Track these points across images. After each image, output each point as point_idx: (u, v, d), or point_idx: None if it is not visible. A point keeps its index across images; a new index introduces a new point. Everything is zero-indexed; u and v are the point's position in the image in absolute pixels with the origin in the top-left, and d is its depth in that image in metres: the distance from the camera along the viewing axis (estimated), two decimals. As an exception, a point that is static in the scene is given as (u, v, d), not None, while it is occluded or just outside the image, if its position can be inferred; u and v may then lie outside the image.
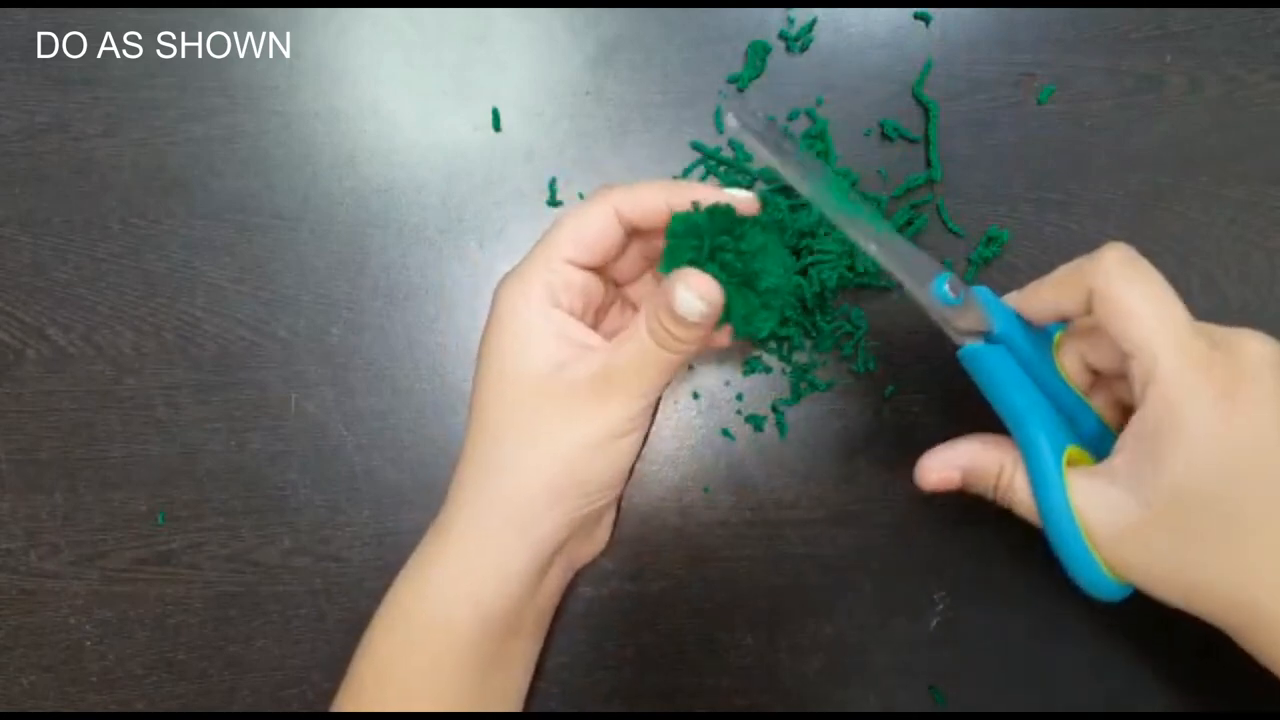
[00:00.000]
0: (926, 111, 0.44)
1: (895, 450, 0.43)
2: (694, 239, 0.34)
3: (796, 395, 0.43)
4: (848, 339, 0.43)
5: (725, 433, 0.44)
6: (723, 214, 0.34)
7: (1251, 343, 0.31)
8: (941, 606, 0.43)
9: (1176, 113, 0.44)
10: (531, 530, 0.36)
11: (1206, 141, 0.44)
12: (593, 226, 0.36)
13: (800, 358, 0.44)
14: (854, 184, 0.42)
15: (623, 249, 0.38)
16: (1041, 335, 0.36)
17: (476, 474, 0.37)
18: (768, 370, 0.44)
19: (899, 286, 0.33)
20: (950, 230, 0.44)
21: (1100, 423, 0.36)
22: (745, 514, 0.43)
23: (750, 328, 0.35)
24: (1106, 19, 0.44)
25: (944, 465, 0.35)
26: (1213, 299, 0.44)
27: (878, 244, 0.33)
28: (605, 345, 0.36)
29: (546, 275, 0.36)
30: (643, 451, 0.43)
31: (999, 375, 0.33)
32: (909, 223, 0.43)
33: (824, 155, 0.42)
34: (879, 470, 0.43)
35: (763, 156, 0.33)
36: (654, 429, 0.44)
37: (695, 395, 0.44)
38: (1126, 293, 0.31)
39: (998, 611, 0.43)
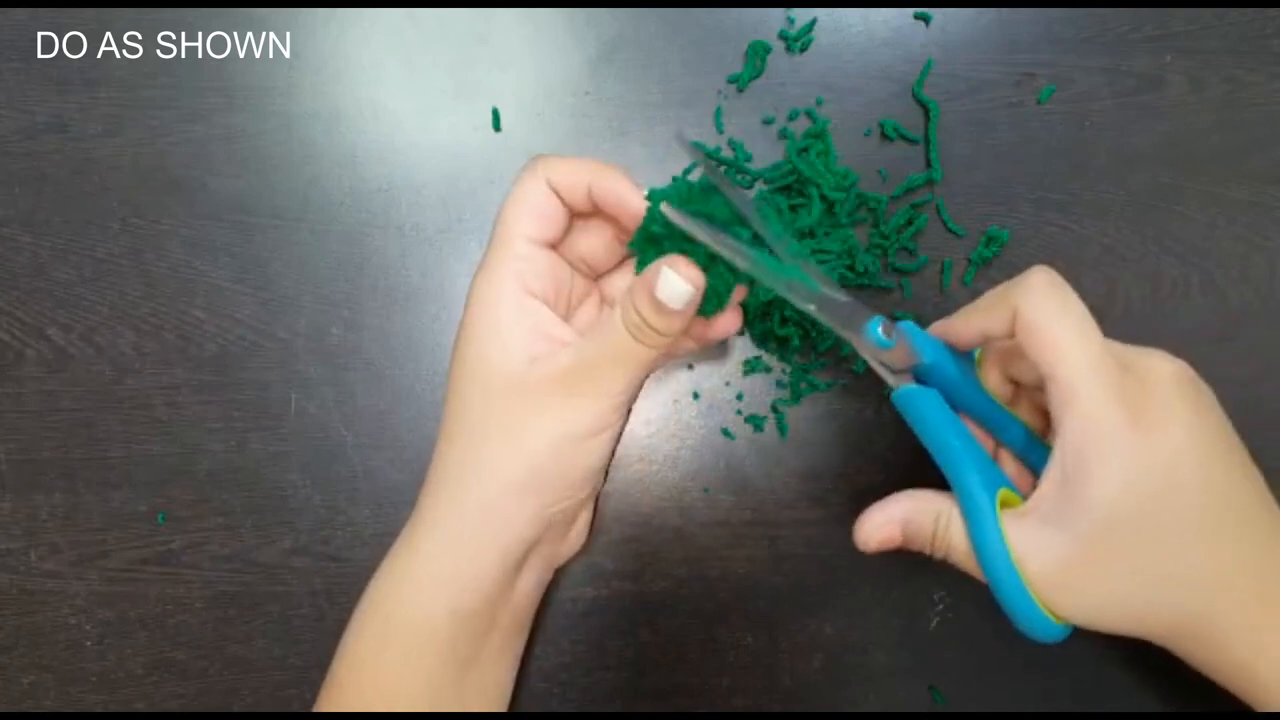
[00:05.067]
0: (926, 111, 0.44)
1: (895, 450, 0.43)
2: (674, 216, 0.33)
3: (796, 395, 0.43)
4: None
5: (725, 433, 0.44)
6: (698, 189, 0.34)
7: (1158, 363, 0.32)
8: (941, 606, 0.43)
9: (1177, 113, 0.44)
10: (501, 529, 0.36)
11: (1207, 141, 0.44)
12: (533, 196, 0.36)
13: (800, 358, 0.44)
14: (853, 184, 0.42)
15: (568, 220, 0.37)
16: (964, 357, 0.37)
17: (448, 472, 0.37)
18: (768, 370, 0.44)
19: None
20: (950, 230, 0.44)
21: (1027, 431, 0.37)
22: (745, 514, 0.43)
23: (721, 305, 0.35)
24: (1106, 19, 0.44)
25: (883, 521, 0.35)
26: (1213, 299, 0.44)
27: (816, 303, 0.34)
28: (577, 339, 0.36)
29: (514, 263, 0.36)
30: (643, 452, 0.44)
31: (931, 417, 0.34)
32: (909, 222, 0.43)
33: (824, 155, 0.42)
34: (878, 470, 0.43)
35: (702, 238, 0.33)
36: (654, 429, 0.44)
37: (695, 395, 0.44)
38: (1047, 318, 0.31)
39: (998, 612, 0.43)
